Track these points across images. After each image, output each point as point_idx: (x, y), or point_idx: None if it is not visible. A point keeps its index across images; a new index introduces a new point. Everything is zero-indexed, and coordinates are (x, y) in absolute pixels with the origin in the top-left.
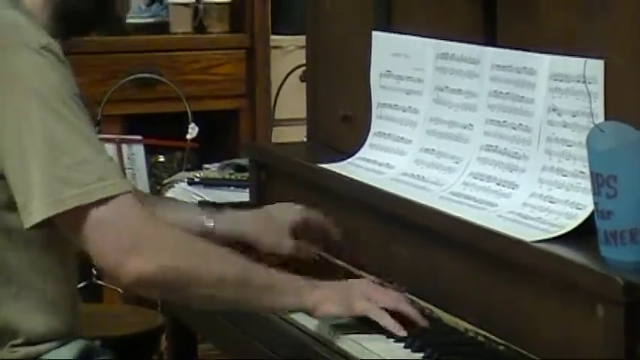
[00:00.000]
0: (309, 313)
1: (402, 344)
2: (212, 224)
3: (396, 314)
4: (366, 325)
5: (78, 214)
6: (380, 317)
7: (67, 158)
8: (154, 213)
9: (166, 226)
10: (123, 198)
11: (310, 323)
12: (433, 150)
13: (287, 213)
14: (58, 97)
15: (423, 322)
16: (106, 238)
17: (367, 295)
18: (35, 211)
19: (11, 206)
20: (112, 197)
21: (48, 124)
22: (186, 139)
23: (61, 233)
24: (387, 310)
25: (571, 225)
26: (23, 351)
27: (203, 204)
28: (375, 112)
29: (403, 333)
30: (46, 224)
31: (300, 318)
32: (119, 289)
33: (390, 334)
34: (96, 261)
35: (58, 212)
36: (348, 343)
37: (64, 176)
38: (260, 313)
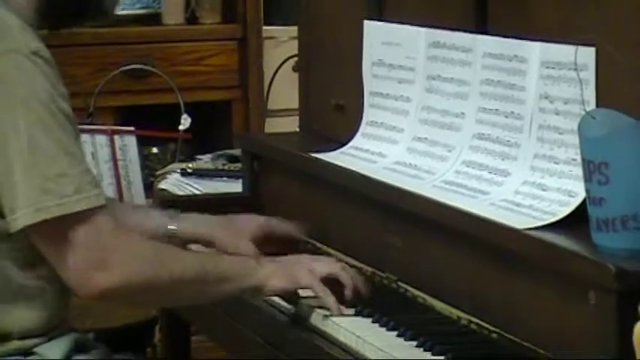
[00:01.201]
0: (258, 290)
1: (395, 333)
2: (175, 227)
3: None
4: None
5: (55, 225)
6: (323, 294)
7: (47, 169)
8: (119, 223)
9: (131, 238)
10: (96, 212)
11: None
12: (426, 139)
13: (250, 220)
14: (45, 106)
15: (363, 290)
16: (74, 252)
17: (310, 268)
18: (20, 217)
19: None
20: (86, 211)
21: (33, 132)
22: (179, 131)
23: (31, 242)
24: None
25: (563, 212)
26: (15, 345)
27: (167, 208)
28: (367, 101)
29: (339, 310)
30: (28, 230)
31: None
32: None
33: (385, 323)
34: (61, 273)
35: (40, 220)
36: (346, 335)
37: (44, 186)
38: (216, 300)
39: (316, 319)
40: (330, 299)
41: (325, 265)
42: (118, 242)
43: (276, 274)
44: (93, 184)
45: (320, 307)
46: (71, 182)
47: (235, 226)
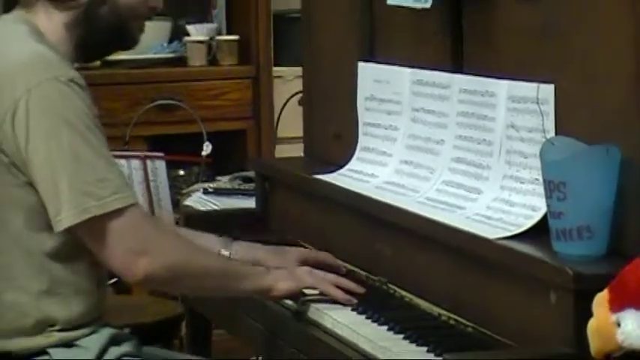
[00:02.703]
0: (269, 290)
1: (385, 327)
2: (228, 253)
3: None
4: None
5: (96, 223)
6: (328, 289)
7: (89, 175)
8: (156, 219)
9: (166, 228)
10: (132, 209)
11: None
12: (411, 162)
13: (295, 250)
14: (82, 123)
15: (359, 290)
16: (119, 243)
17: (312, 271)
18: (64, 219)
19: (41, 211)
20: (124, 208)
21: (74, 145)
22: (202, 156)
23: (79, 240)
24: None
25: (528, 224)
26: (58, 336)
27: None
28: (361, 130)
29: (354, 300)
30: (72, 230)
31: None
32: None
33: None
34: (109, 263)
35: (82, 220)
36: (342, 329)
37: (87, 190)
38: (233, 295)
39: (314, 313)
40: (337, 292)
41: (324, 274)
42: (155, 232)
43: (283, 278)
44: (126, 185)
45: (319, 304)
46: (109, 185)
47: (283, 253)
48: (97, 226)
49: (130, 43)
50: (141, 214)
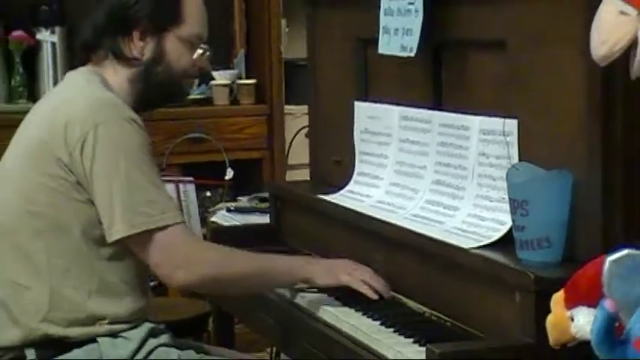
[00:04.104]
0: (306, 283)
1: (378, 322)
2: None
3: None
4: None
5: (144, 237)
6: (359, 286)
7: (140, 197)
8: (197, 236)
9: (203, 245)
10: (177, 226)
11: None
12: (399, 184)
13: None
14: (138, 154)
15: (387, 294)
16: (162, 255)
17: (348, 271)
18: (115, 232)
19: (97, 224)
20: (168, 225)
21: (129, 172)
22: (225, 180)
23: (130, 249)
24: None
25: (496, 236)
26: (107, 328)
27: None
28: (357, 158)
29: (375, 297)
30: (123, 241)
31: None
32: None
33: (371, 315)
34: (154, 271)
35: (131, 234)
36: (342, 323)
37: (137, 209)
38: (275, 288)
39: (318, 309)
40: (368, 291)
41: (360, 272)
42: (194, 247)
43: (321, 273)
44: (173, 207)
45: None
46: (157, 207)
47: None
48: (144, 239)
49: (180, 97)
50: (182, 231)
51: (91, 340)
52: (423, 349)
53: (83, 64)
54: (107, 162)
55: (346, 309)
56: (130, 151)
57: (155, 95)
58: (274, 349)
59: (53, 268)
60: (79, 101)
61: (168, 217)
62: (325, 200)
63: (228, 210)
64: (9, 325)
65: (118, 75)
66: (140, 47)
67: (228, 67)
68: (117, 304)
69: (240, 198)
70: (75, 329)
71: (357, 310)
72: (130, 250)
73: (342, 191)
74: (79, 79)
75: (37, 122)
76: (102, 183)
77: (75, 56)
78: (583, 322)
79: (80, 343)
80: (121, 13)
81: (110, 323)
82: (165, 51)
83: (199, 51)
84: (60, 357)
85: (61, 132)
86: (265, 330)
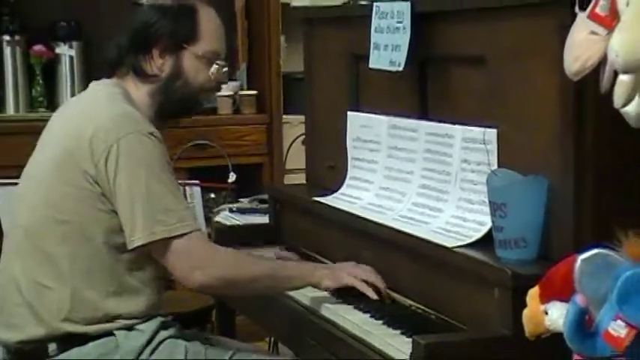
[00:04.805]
0: (314, 287)
1: (368, 315)
2: None
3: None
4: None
5: (163, 244)
6: (361, 287)
7: (159, 207)
8: (212, 242)
9: (218, 250)
10: (193, 234)
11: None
12: (388, 188)
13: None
14: (157, 166)
15: (384, 292)
16: (179, 260)
17: (352, 273)
18: (136, 239)
19: (119, 232)
20: (185, 233)
21: (149, 183)
22: (228, 183)
23: (150, 254)
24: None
25: (477, 236)
26: (121, 323)
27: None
28: (350, 163)
29: (375, 296)
30: (143, 248)
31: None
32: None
33: (361, 309)
34: (172, 273)
35: (151, 241)
36: (335, 315)
37: (157, 218)
38: (283, 292)
39: (310, 301)
40: (369, 291)
41: (362, 272)
42: (208, 253)
43: (327, 276)
44: (190, 216)
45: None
46: (175, 215)
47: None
48: (163, 246)
49: (197, 110)
50: (198, 238)
51: (108, 333)
52: (410, 340)
53: (108, 77)
54: (129, 174)
55: (339, 304)
56: (149, 163)
57: (174, 108)
58: (272, 338)
59: (75, 271)
60: (103, 115)
61: (185, 226)
62: (320, 202)
63: (231, 211)
64: (34, 324)
65: (139, 90)
66: (160, 64)
67: (231, 80)
68: (133, 303)
69: (241, 200)
70: (93, 327)
71: (348, 304)
72: (149, 255)
73: (335, 194)
74: (104, 92)
75: (63, 132)
76: (124, 194)
77: (92, 68)
78: (556, 315)
79: (98, 337)
80: (143, 33)
81: (125, 319)
82: (183, 67)
83: (216, 66)
84: (79, 348)
85: (86, 145)
86: (264, 322)
